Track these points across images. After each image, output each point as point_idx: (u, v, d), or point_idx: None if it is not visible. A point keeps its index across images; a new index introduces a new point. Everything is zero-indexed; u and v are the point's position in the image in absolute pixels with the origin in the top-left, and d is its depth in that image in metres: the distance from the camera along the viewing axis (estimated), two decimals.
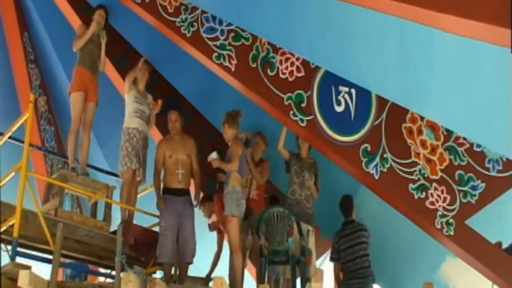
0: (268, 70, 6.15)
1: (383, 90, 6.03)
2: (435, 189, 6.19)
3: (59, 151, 7.83)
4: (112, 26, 6.70)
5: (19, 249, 5.02)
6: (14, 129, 5.70)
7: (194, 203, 6.12)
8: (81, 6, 6.71)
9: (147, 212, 6.24)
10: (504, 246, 6.36)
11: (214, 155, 6.00)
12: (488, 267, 6.04)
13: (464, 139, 6.30)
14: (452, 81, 5.09)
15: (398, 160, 6.22)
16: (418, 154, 6.27)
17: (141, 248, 5.82)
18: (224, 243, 6.74)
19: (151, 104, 6.46)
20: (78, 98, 6.15)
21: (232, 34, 6.16)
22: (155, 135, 6.80)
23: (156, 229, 6.06)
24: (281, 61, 6.19)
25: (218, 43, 6.11)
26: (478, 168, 6.31)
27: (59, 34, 7.26)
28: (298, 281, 6.18)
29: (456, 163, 6.31)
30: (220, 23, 6.16)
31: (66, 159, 6.43)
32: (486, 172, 6.31)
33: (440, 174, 6.25)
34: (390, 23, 4.80)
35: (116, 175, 6.64)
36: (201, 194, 6.41)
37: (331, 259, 6.85)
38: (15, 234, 4.94)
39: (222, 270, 6.44)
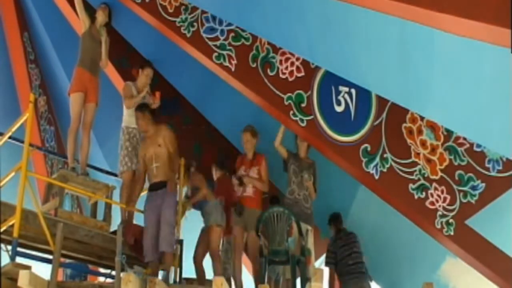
0: (268, 70, 6.15)
1: (383, 90, 6.03)
2: (435, 189, 6.19)
3: (59, 151, 7.83)
4: (112, 26, 6.70)
5: (19, 249, 5.01)
6: (14, 129, 5.69)
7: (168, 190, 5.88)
8: None
9: None
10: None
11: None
12: (488, 267, 6.04)
13: (464, 139, 6.30)
14: (452, 81, 5.09)
15: (398, 160, 6.22)
16: (418, 154, 6.27)
17: (141, 248, 5.82)
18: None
19: (151, 98, 6.43)
20: (77, 99, 6.16)
21: (232, 34, 6.16)
22: None
23: None
24: (281, 61, 6.19)
25: (218, 43, 6.11)
26: (478, 168, 6.31)
27: (59, 34, 7.26)
28: (298, 281, 6.18)
29: (456, 163, 6.30)
30: (220, 23, 6.16)
31: (66, 159, 6.43)
32: (486, 172, 6.31)
33: (440, 174, 6.25)
34: (390, 23, 4.80)
35: (116, 175, 6.64)
36: (177, 180, 6.21)
37: (327, 263, 6.97)
38: (15, 234, 4.94)
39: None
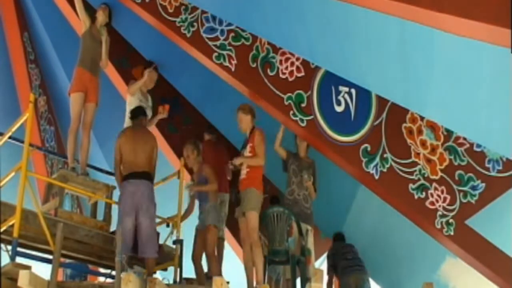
0: (268, 70, 6.15)
1: (383, 90, 6.03)
2: (435, 189, 6.19)
3: (59, 151, 7.83)
4: (112, 26, 6.71)
5: (19, 249, 5.01)
6: (14, 129, 5.69)
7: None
8: None
9: None
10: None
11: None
12: (488, 267, 6.04)
13: (464, 139, 6.30)
14: (452, 81, 5.09)
15: (398, 160, 6.22)
16: (418, 154, 6.27)
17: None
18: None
19: (160, 108, 6.55)
20: (77, 99, 6.16)
21: (232, 34, 6.16)
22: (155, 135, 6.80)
23: (158, 228, 6.05)
24: (281, 61, 6.19)
25: (218, 43, 6.11)
26: (478, 168, 6.31)
27: (59, 34, 7.27)
28: (298, 281, 6.18)
29: (456, 163, 6.31)
30: (220, 23, 6.16)
31: (66, 159, 6.43)
32: (486, 172, 6.31)
33: (440, 174, 6.25)
34: (390, 23, 4.80)
35: None
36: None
37: (327, 273, 7.08)
38: (15, 234, 4.94)
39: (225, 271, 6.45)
